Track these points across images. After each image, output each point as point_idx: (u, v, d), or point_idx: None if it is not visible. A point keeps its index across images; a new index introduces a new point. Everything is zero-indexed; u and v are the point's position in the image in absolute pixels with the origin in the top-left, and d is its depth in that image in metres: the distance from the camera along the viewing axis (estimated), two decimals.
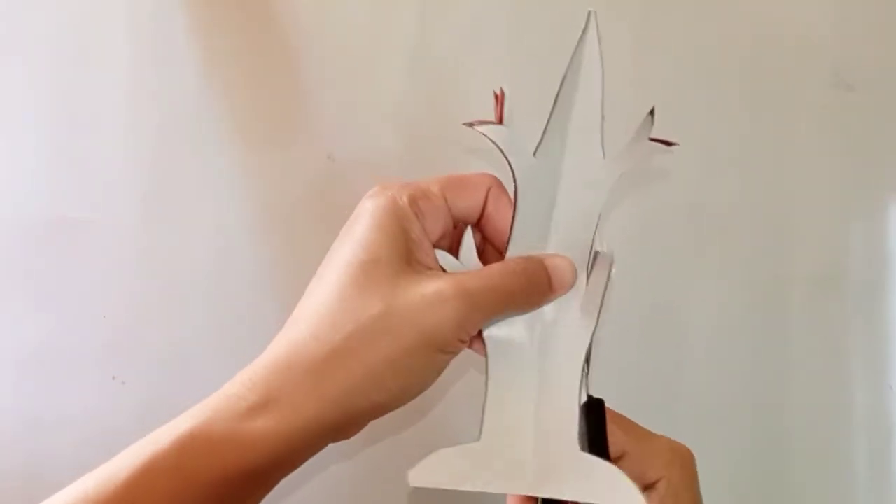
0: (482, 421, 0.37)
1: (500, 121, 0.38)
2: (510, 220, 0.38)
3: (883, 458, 0.58)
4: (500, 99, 0.38)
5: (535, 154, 0.38)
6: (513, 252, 0.38)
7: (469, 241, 0.38)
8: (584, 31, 0.39)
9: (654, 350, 0.58)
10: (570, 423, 0.37)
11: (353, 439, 0.36)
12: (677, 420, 0.56)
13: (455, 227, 0.39)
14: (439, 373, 0.35)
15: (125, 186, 0.56)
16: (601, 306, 0.38)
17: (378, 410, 0.35)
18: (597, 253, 0.39)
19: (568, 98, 0.39)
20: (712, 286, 0.58)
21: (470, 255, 0.38)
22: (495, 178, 0.39)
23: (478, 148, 0.47)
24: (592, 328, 0.38)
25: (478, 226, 0.39)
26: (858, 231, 0.60)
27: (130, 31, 0.57)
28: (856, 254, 0.59)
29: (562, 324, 0.38)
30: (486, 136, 0.38)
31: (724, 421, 0.58)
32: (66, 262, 0.55)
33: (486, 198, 0.39)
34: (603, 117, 0.39)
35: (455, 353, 0.35)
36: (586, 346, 0.38)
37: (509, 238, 0.38)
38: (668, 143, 0.38)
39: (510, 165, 0.38)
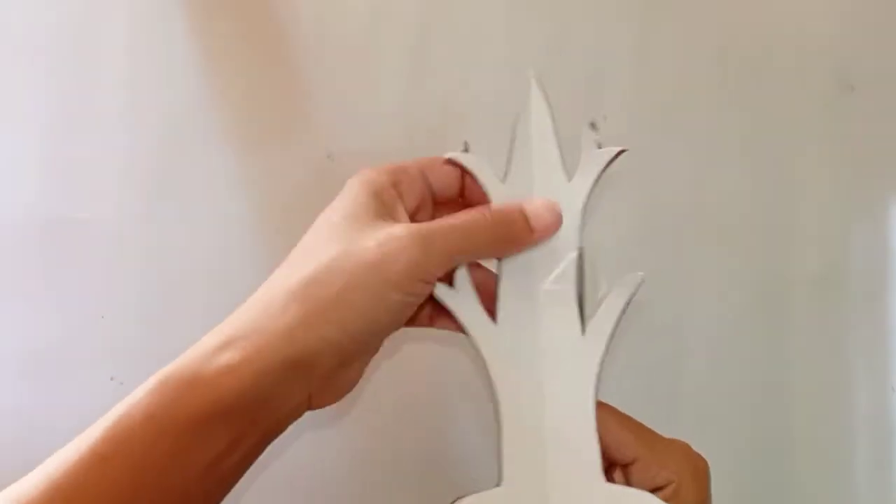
0: (500, 466, 0.36)
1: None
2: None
3: (884, 459, 0.58)
4: (465, 146, 0.40)
5: (504, 181, 0.39)
6: (506, 282, 0.38)
7: (463, 271, 0.38)
8: (529, 93, 0.40)
9: (653, 350, 0.58)
10: (592, 458, 0.37)
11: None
12: (677, 420, 0.56)
13: (435, 201, 0.40)
14: (395, 314, 0.35)
15: (124, 187, 0.56)
16: (612, 333, 0.38)
17: (333, 350, 0.34)
18: (599, 281, 0.39)
19: (525, 136, 0.39)
20: (713, 286, 0.58)
21: (464, 283, 0.38)
22: None
23: None
24: (600, 355, 0.37)
25: (461, 198, 0.41)
26: (860, 231, 0.60)
27: (130, 30, 0.57)
28: (857, 254, 0.59)
29: (566, 352, 0.37)
30: (459, 161, 0.39)
31: (724, 422, 0.58)
32: (65, 263, 0.55)
33: (464, 173, 0.40)
34: (560, 147, 0.40)
35: (413, 296, 0.35)
36: (595, 375, 0.37)
37: (499, 273, 0.38)
38: (620, 153, 0.39)
39: (484, 188, 0.39)
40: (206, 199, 0.56)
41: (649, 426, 0.40)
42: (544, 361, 0.37)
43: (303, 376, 0.34)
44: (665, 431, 0.40)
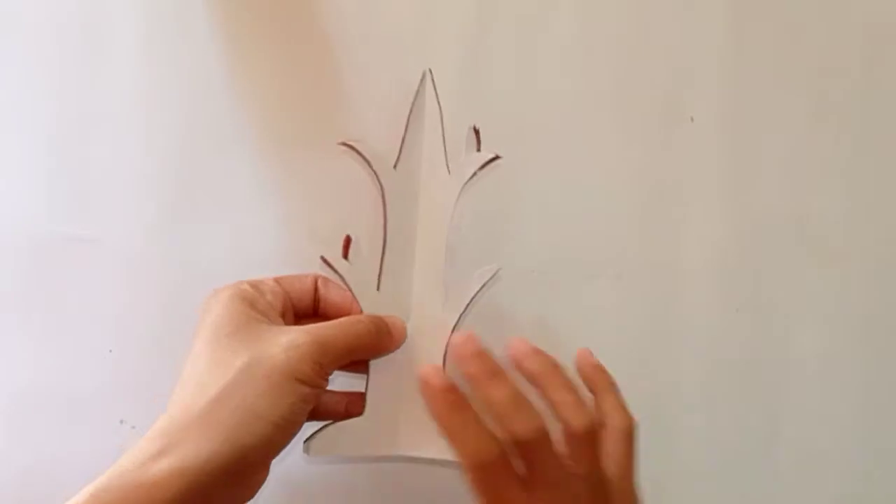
0: (365, 401, 0.46)
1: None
2: (343, 297, 0.47)
3: None
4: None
5: (395, 167, 0.47)
6: (389, 255, 0.47)
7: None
8: (421, 85, 0.48)
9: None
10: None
11: None
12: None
13: (296, 314, 0.47)
14: (309, 403, 0.42)
15: (137, 200, 0.51)
16: (466, 309, 0.47)
17: (264, 444, 0.40)
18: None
19: (417, 125, 0.47)
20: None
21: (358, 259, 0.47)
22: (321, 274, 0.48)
23: None
24: (453, 323, 0.47)
25: (316, 313, 0.47)
26: None
27: (144, 28, 0.52)
28: None
29: (426, 324, 0.47)
30: (354, 148, 0.47)
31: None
32: (70, 287, 0.50)
33: (316, 284, 0.47)
34: (445, 143, 0.47)
35: (320, 387, 0.42)
36: (446, 338, 0.46)
37: (384, 245, 0.47)
38: (494, 158, 0.47)
39: (375, 174, 0.47)
40: (229, 212, 0.51)
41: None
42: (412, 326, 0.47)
43: (239, 480, 0.40)
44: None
